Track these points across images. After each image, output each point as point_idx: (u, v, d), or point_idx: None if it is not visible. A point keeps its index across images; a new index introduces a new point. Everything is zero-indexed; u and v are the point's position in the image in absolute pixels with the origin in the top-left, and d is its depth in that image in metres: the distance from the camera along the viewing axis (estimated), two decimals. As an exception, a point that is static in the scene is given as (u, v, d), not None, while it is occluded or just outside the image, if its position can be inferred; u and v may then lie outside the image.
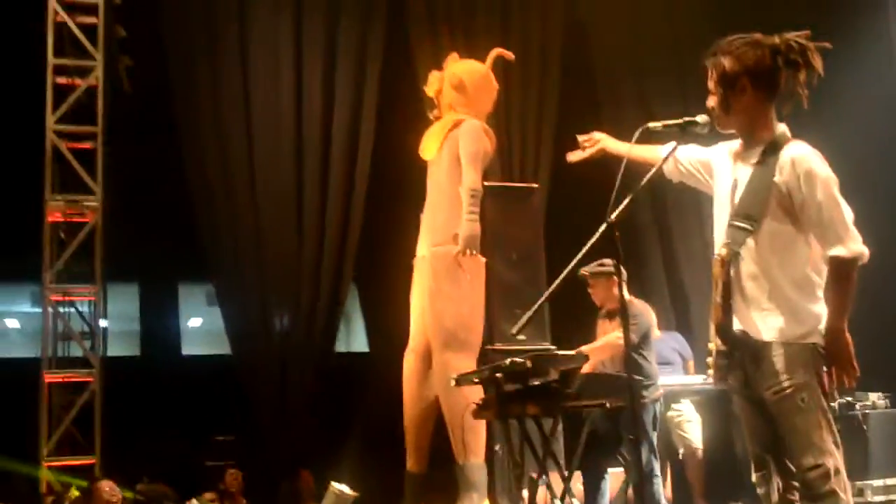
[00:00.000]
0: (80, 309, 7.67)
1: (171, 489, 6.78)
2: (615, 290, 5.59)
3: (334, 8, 8.55)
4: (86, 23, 7.62)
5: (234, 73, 8.32)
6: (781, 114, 3.37)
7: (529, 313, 3.59)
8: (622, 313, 3.55)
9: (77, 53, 7.61)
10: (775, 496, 3.31)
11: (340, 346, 9.92)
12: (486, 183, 5.73)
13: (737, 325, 3.29)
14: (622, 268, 3.53)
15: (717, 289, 3.31)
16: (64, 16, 7.51)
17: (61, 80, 7.60)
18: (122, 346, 10.82)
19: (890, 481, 6.69)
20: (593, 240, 3.29)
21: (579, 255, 3.37)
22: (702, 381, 6.91)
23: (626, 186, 3.26)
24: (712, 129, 3.41)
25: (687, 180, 3.67)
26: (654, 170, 3.48)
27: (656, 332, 6.68)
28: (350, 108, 8.49)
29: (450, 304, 5.47)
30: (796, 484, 3.24)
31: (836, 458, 3.15)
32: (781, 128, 3.36)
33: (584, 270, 5.89)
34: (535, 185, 7.67)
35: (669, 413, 7.07)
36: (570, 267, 3.40)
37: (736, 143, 3.45)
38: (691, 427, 7.38)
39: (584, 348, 5.58)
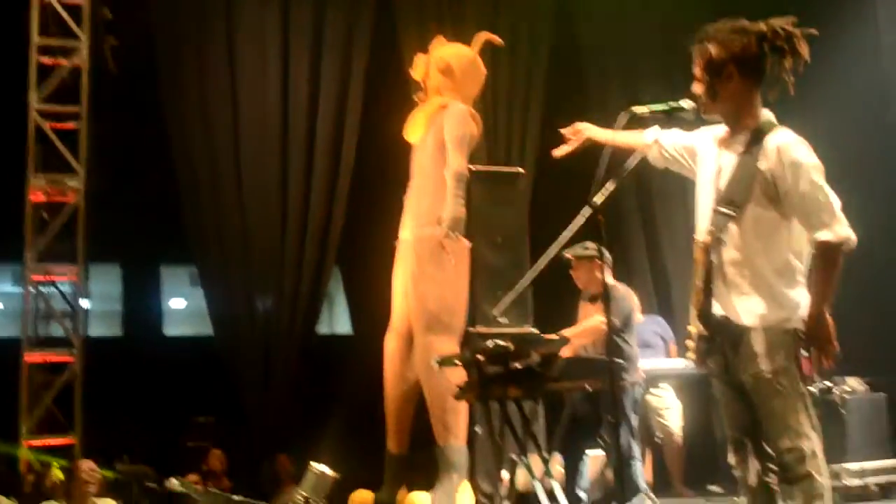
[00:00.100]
0: (62, 289, 7.63)
1: (151, 469, 6.77)
2: (598, 274, 5.63)
3: (321, -1, 8.53)
4: (70, 2, 7.57)
5: (221, 59, 8.27)
6: (767, 100, 3.39)
7: (512, 294, 3.62)
8: (605, 297, 3.57)
9: (61, 33, 7.55)
10: (753, 479, 3.34)
11: (323, 328, 9.94)
12: (471, 167, 5.74)
13: (718, 310, 3.32)
14: (606, 251, 3.56)
15: (698, 274, 3.33)
16: (48, -5, 7.46)
17: (45, 59, 7.54)
18: (103, 326, 10.80)
19: (867, 465, 6.77)
20: (576, 223, 3.32)
21: (562, 239, 3.39)
22: (683, 364, 6.97)
23: (610, 171, 3.28)
24: (698, 114, 3.43)
25: (671, 166, 3.69)
26: (638, 155, 3.50)
27: (638, 316, 6.72)
28: (336, 97, 8.46)
29: (433, 287, 5.49)
30: (773, 467, 3.28)
31: (813, 442, 3.19)
32: (767, 115, 3.38)
33: (568, 253, 5.92)
34: (521, 170, 7.65)
35: (649, 398, 7.12)
36: (552, 250, 3.43)
37: (720, 130, 3.47)
38: (670, 413, 7.43)
39: (566, 332, 5.61)
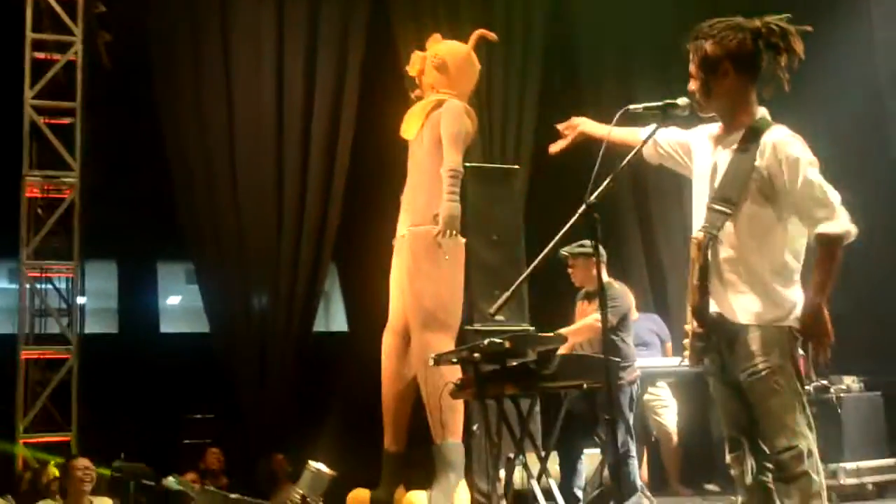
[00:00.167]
0: (58, 286, 7.61)
1: (148, 467, 6.76)
2: (594, 272, 5.61)
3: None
4: (65, -2, 7.55)
5: (216, 55, 8.27)
6: (762, 97, 3.38)
7: (507, 294, 3.60)
8: (601, 295, 3.55)
9: (56, 28, 7.53)
10: (749, 478, 3.33)
11: (319, 326, 9.91)
12: (466, 164, 5.74)
13: (713, 308, 3.31)
14: (601, 249, 3.54)
15: (693, 271, 3.32)
16: (43, -10, 7.44)
17: (40, 55, 7.53)
18: (99, 323, 10.76)
19: (863, 464, 6.76)
20: (572, 221, 3.30)
21: (558, 237, 3.38)
22: (679, 363, 6.95)
23: (606, 168, 3.27)
24: (693, 111, 3.41)
25: (666, 163, 3.68)
26: (633, 152, 3.49)
27: (634, 314, 6.71)
28: (332, 93, 8.45)
29: (429, 284, 5.49)
30: (770, 465, 3.27)
31: (809, 441, 3.19)
32: (762, 111, 3.37)
33: (565, 250, 5.90)
34: (517, 167, 7.69)
35: (646, 397, 7.11)
36: (548, 248, 3.41)
37: (715, 127, 3.46)
38: (667, 412, 7.43)
39: (562, 330, 5.60)
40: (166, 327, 11.80)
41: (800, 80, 3.38)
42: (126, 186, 9.24)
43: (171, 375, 9.54)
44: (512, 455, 4.93)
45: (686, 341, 3.37)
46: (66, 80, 7.52)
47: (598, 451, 6.35)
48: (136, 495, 6.09)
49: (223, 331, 8.26)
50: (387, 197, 6.16)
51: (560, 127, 3.90)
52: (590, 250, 5.78)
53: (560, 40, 9.21)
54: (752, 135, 3.30)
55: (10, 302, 9.00)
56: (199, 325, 9.09)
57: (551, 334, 4.96)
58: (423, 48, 5.99)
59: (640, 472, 6.41)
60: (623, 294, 6.21)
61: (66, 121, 7.52)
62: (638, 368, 6.19)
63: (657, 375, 7.20)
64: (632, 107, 3.48)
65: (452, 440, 5.39)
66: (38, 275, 7.48)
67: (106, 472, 6.24)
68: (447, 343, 5.40)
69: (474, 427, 6.20)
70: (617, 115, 3.46)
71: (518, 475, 5.01)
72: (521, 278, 3.76)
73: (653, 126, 3.53)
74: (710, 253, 3.30)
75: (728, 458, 3.41)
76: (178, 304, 12.53)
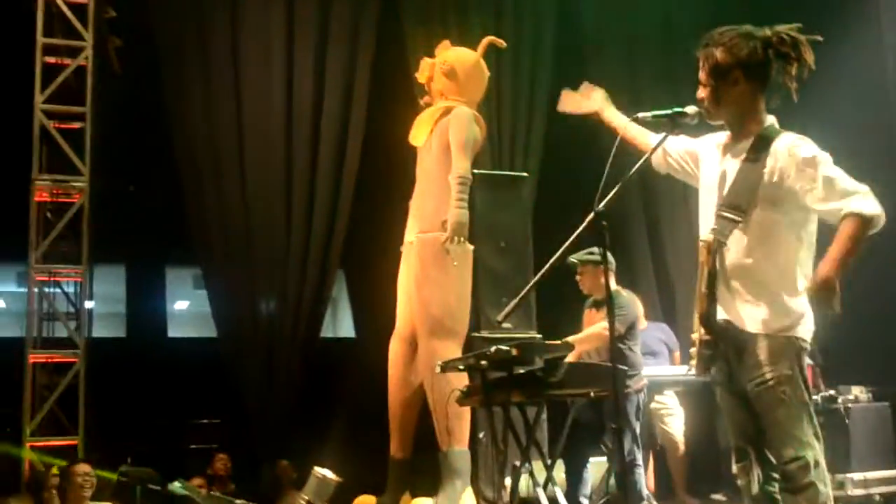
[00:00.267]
0: (66, 290, 7.63)
1: (154, 472, 6.76)
2: (603, 280, 5.61)
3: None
4: (75, 2, 7.56)
5: (225, 58, 8.28)
6: (769, 106, 3.38)
7: (515, 301, 3.60)
8: (608, 303, 3.55)
9: (67, 33, 7.55)
10: (756, 488, 3.32)
11: (327, 332, 9.91)
12: (475, 171, 5.73)
13: (721, 315, 3.30)
14: (610, 257, 3.54)
15: (702, 277, 3.30)
16: (53, -5, 7.47)
17: (50, 59, 7.54)
18: (107, 327, 10.78)
19: (870, 475, 6.74)
20: (580, 229, 3.30)
21: (566, 244, 3.37)
22: (685, 371, 6.93)
23: (614, 176, 3.27)
24: (701, 120, 3.41)
25: (674, 172, 3.68)
26: (642, 160, 3.48)
27: (643, 323, 6.70)
28: (341, 96, 8.45)
29: (437, 291, 5.48)
30: (776, 476, 3.26)
31: (816, 451, 3.17)
32: (770, 119, 3.37)
33: (573, 258, 5.91)
34: (525, 174, 7.68)
35: (653, 405, 7.09)
36: (557, 256, 3.41)
37: (723, 136, 3.45)
38: (673, 420, 7.41)
39: (570, 338, 5.59)
40: (174, 332, 11.83)
41: (809, 88, 3.38)
42: (135, 191, 9.26)
43: (178, 380, 9.56)
44: (518, 463, 4.93)
45: (693, 350, 3.36)
46: (77, 84, 7.53)
47: (604, 459, 6.35)
48: (143, 500, 6.10)
49: (230, 336, 8.26)
50: (395, 203, 6.16)
51: (583, 86, 3.89)
52: (598, 258, 5.82)
53: (569, 48, 9.21)
54: (762, 142, 3.29)
55: (19, 305, 9.03)
56: (206, 330, 9.10)
57: (559, 342, 4.96)
58: (432, 53, 6.00)
59: (646, 480, 6.39)
60: (631, 302, 6.21)
61: (76, 125, 7.54)
62: (645, 377, 6.18)
63: (664, 384, 7.19)
64: (640, 115, 3.48)
65: (459, 447, 5.38)
66: (47, 278, 7.49)
67: (112, 477, 6.25)
68: (454, 350, 5.40)
69: (481, 434, 6.19)
70: (621, 133, 3.46)
71: (524, 483, 5.01)
72: (528, 286, 3.76)
73: (662, 134, 3.53)
74: (718, 260, 3.29)
75: (735, 467, 3.40)
76: (186, 309, 12.56)
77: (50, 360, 7.35)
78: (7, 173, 7.87)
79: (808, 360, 3.27)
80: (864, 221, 3.12)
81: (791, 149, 3.23)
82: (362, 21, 8.57)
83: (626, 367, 5.74)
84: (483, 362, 4.61)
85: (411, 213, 5.80)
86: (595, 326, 5.98)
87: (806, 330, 3.27)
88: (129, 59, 8.01)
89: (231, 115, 8.24)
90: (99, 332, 8.40)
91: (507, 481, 5.08)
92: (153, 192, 9.23)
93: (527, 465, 4.87)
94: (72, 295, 7.61)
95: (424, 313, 5.50)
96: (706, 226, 3.36)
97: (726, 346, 3.31)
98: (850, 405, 6.92)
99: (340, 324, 12.06)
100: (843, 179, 3.18)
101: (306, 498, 5.50)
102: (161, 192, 8.99)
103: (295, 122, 8.33)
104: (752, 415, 3.29)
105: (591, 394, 4.89)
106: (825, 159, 3.21)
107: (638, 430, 6.02)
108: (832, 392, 7.01)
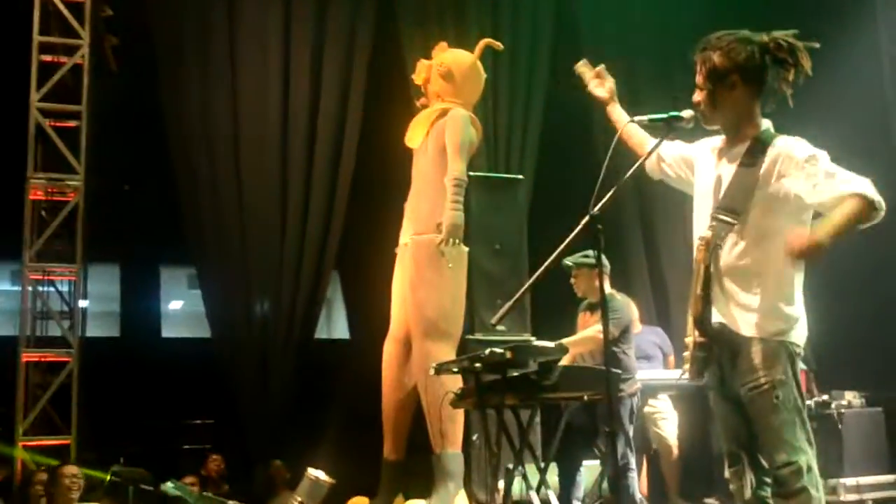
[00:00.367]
0: (60, 288, 7.60)
1: (147, 472, 6.75)
2: (597, 283, 5.60)
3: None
4: (72, 0, 7.55)
5: (222, 58, 8.28)
6: (765, 110, 3.38)
7: (510, 304, 3.60)
8: (602, 306, 3.55)
9: (63, 31, 7.54)
10: (748, 492, 3.32)
11: (321, 333, 9.90)
12: (471, 173, 5.73)
13: (716, 318, 3.30)
14: (605, 260, 3.54)
15: (698, 278, 3.30)
16: (50, -7, 7.46)
17: (46, 57, 7.53)
18: (101, 326, 10.76)
19: (863, 480, 6.74)
20: (575, 232, 3.29)
21: (561, 247, 3.37)
22: (679, 376, 6.94)
23: (610, 179, 3.26)
24: (697, 123, 3.41)
25: (667, 178, 3.69)
26: (636, 165, 3.48)
27: (637, 326, 6.70)
28: (337, 96, 8.46)
29: (431, 293, 5.47)
30: (769, 480, 3.26)
31: (808, 456, 3.18)
32: (766, 124, 3.37)
33: (568, 260, 5.91)
34: (520, 177, 7.69)
35: (647, 409, 7.09)
36: (551, 258, 3.41)
37: (718, 140, 3.46)
38: (667, 424, 7.41)
39: (564, 341, 5.58)
40: (168, 332, 11.81)
41: (807, 94, 3.38)
42: (130, 190, 9.24)
43: (171, 380, 9.54)
44: (511, 466, 4.92)
45: (686, 354, 3.36)
46: (73, 83, 7.52)
47: (597, 462, 6.34)
48: (135, 500, 6.08)
49: (225, 336, 8.25)
50: (390, 205, 6.16)
51: (599, 69, 3.88)
52: (593, 261, 5.82)
53: (566, 50, 9.21)
54: (758, 146, 3.30)
55: (12, 304, 9.00)
56: (200, 331, 9.08)
57: (552, 345, 4.95)
58: (429, 55, 6.00)
59: (639, 484, 6.39)
60: (625, 306, 6.21)
61: (72, 124, 7.52)
62: (639, 381, 6.18)
63: (658, 388, 7.18)
64: (637, 118, 3.49)
65: (452, 450, 5.37)
66: (41, 277, 7.47)
67: (105, 476, 6.23)
68: (448, 352, 5.39)
69: (474, 437, 6.19)
70: (619, 131, 3.46)
71: (517, 486, 5.00)
72: (523, 288, 3.76)
73: (656, 139, 3.52)
74: (713, 262, 3.29)
75: (727, 472, 3.40)
76: (180, 309, 12.54)
77: (43, 360, 7.33)
78: (2, 171, 7.85)
79: (801, 365, 3.27)
80: (867, 203, 3.12)
81: (788, 151, 3.24)
82: (359, 22, 8.57)
83: (619, 371, 5.73)
84: (477, 365, 4.59)
85: (406, 214, 5.80)
86: (589, 329, 5.97)
87: (799, 335, 3.28)
88: (125, 58, 7.99)
89: (227, 114, 8.24)
90: (93, 331, 8.37)
91: (501, 484, 5.07)
92: (148, 192, 9.22)
93: (520, 467, 4.85)
94: (66, 294, 7.58)
95: (419, 315, 5.50)
96: (701, 230, 3.36)
97: (720, 350, 3.31)
98: (843, 410, 6.92)
99: (335, 325, 12.05)
100: (844, 172, 3.21)
101: (299, 499, 5.50)
102: (156, 191, 8.97)
103: (291, 122, 8.33)
104: (745, 419, 3.29)
105: (585, 397, 4.88)
106: (823, 156, 3.23)
107: (631, 434, 6.01)
108: (825, 397, 7.02)
